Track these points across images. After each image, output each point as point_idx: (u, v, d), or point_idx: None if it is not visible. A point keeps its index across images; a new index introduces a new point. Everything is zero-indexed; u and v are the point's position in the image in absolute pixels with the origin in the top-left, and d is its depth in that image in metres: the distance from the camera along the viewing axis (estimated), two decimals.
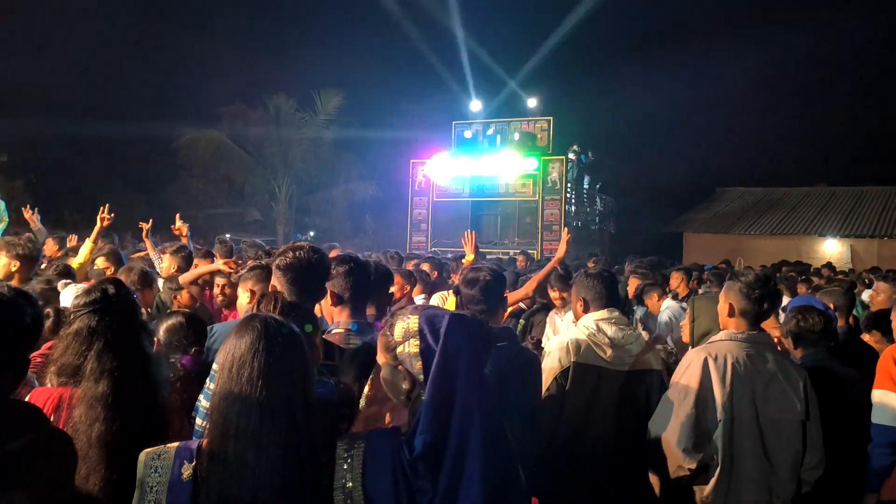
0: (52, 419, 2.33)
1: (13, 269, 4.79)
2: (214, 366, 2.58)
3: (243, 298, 3.69)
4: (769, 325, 4.36)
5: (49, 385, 2.47)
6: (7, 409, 1.88)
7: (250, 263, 4.39)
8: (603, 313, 3.75)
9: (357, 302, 3.38)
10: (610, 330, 3.70)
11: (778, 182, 31.29)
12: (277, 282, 3.15)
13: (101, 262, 5.87)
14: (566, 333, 3.96)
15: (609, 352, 3.63)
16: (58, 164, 33.09)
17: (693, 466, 3.23)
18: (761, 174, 32.44)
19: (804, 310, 4.09)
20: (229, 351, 1.91)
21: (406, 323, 2.00)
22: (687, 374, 3.34)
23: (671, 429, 3.28)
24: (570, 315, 6.14)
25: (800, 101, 33.04)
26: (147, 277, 5.10)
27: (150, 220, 7.86)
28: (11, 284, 2.64)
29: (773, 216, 28.36)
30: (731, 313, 3.44)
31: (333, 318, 3.32)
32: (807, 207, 28.85)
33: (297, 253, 3.16)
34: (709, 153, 33.51)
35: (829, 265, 16.52)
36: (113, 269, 5.78)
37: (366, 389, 2.44)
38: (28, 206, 9.07)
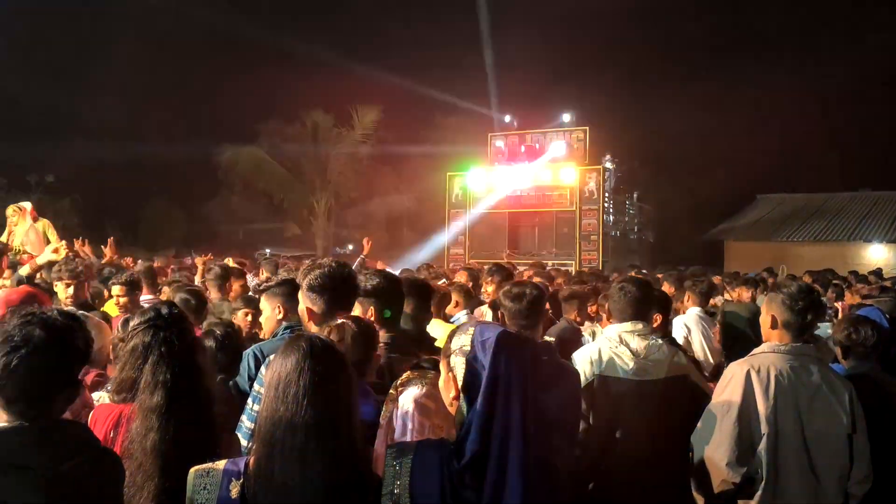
0: (111, 435, 2.44)
1: (68, 292, 4.93)
2: (257, 386, 2.65)
3: (268, 313, 3.74)
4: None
5: (110, 402, 2.58)
6: (61, 429, 1.94)
7: (270, 277, 4.45)
8: (626, 326, 3.75)
9: (395, 317, 3.46)
10: (633, 342, 3.71)
11: (820, 188, 30.76)
12: (308, 300, 3.21)
13: (116, 290, 5.35)
14: (590, 346, 3.97)
15: (631, 364, 3.63)
16: (102, 183, 33.84)
17: (737, 480, 3.20)
18: (803, 180, 31.96)
19: (857, 321, 4.01)
20: (276, 370, 1.96)
21: (465, 334, 2.07)
22: (730, 387, 3.31)
23: (714, 442, 3.25)
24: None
25: (840, 106, 32.50)
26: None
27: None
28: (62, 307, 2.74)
29: (816, 223, 27.89)
30: (773, 325, 3.39)
31: None
32: (851, 213, 28.32)
33: (326, 270, 3.22)
34: (749, 160, 33.12)
35: (877, 271, 16.20)
36: (127, 300, 5.27)
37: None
38: (81, 238, 9.42)
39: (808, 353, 3.37)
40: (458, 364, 2.02)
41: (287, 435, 1.88)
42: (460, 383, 2.01)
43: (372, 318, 3.36)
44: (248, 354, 3.43)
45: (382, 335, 3.34)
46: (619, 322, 3.81)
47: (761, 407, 3.21)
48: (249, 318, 5.13)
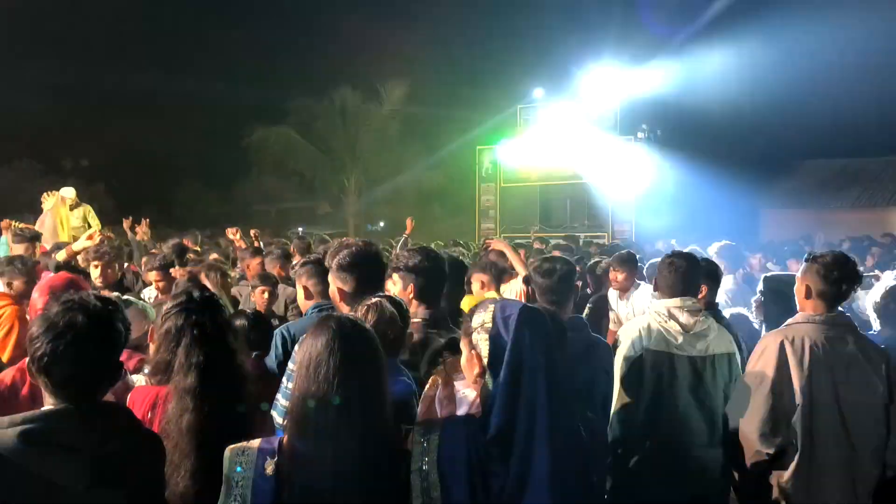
0: (149, 416, 2.51)
1: (95, 274, 5.03)
2: (291, 364, 2.70)
3: (300, 294, 3.78)
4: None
5: (146, 384, 2.66)
6: (105, 412, 2.01)
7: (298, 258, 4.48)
8: (675, 301, 3.73)
9: (435, 295, 3.49)
10: (682, 317, 3.70)
11: (857, 153, 30.10)
12: (339, 280, 3.26)
13: (153, 276, 5.53)
14: (638, 320, 3.97)
15: (680, 338, 3.63)
16: (135, 166, 34.29)
17: (771, 451, 3.19)
18: (839, 145, 31.27)
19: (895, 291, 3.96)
20: (306, 350, 2.00)
21: (484, 311, 2.10)
22: (763, 358, 3.30)
23: (748, 414, 3.25)
24: (635, 297, 6.08)
25: (877, 69, 31.65)
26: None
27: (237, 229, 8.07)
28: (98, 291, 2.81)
29: (853, 188, 27.32)
30: (808, 295, 3.36)
31: (411, 308, 3.36)
32: (889, 178, 27.66)
33: (354, 249, 3.29)
34: (784, 126, 32.47)
35: None
36: (164, 284, 5.47)
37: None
38: (134, 218, 9.60)
39: (843, 323, 3.34)
40: (482, 341, 2.05)
41: (319, 414, 1.92)
42: (485, 360, 2.04)
43: (412, 295, 3.41)
44: (275, 334, 3.48)
45: (421, 311, 3.40)
46: (668, 297, 3.80)
47: (795, 378, 3.19)
48: (266, 295, 5.23)
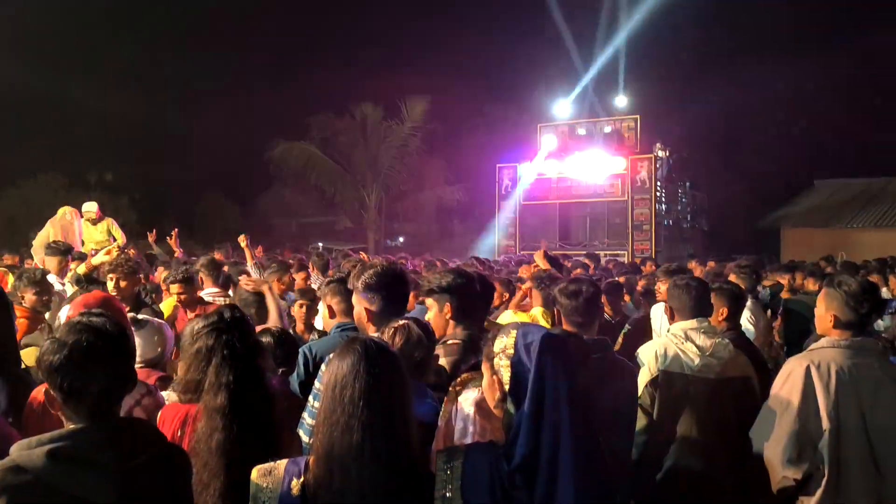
0: (179, 434, 2.55)
1: (114, 287, 5.09)
2: (317, 384, 2.73)
3: (324, 313, 3.81)
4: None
5: (177, 402, 2.70)
6: (130, 428, 2.05)
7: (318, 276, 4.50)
8: (691, 323, 3.76)
9: (474, 316, 3.47)
10: (698, 339, 3.73)
11: (879, 172, 29.82)
12: (365, 301, 3.25)
13: (175, 288, 5.52)
14: (655, 341, 3.99)
15: (697, 360, 3.64)
16: (158, 180, 34.66)
17: (798, 476, 3.16)
18: (860, 164, 30.99)
19: None
20: (332, 372, 2.03)
21: (507, 337, 2.10)
22: (789, 382, 3.28)
23: (773, 440, 3.22)
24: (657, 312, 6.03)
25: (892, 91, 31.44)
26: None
27: (246, 235, 8.05)
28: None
29: (876, 207, 27.01)
30: (836, 325, 3.34)
31: (448, 329, 3.40)
32: None
33: (380, 269, 3.29)
34: (804, 144, 32.30)
35: None
36: (186, 297, 5.49)
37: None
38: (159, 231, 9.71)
39: (869, 348, 3.32)
40: (503, 367, 2.06)
41: (344, 436, 1.94)
42: (506, 386, 2.04)
43: (448, 316, 3.39)
44: (299, 353, 3.50)
45: (459, 332, 3.35)
46: (684, 319, 3.83)
47: (822, 402, 3.17)
48: (304, 309, 5.24)
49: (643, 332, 5.63)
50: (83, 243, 9.93)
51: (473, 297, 3.52)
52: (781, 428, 3.21)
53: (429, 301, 3.47)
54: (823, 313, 3.39)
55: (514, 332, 2.10)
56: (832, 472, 3.15)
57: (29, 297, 4.81)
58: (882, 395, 3.19)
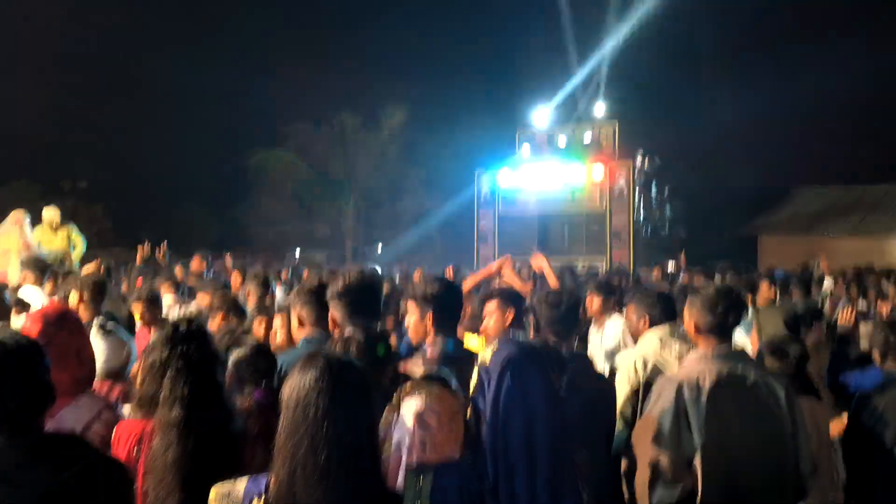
0: (136, 451, 2.46)
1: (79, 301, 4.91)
2: None
3: (294, 324, 3.75)
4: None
5: (132, 417, 2.61)
6: (55, 442, 1.95)
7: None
8: (664, 328, 3.73)
9: (453, 324, 3.46)
10: (676, 344, 3.71)
11: (855, 180, 30.19)
12: (336, 309, 3.29)
13: (137, 307, 5.45)
14: (633, 351, 3.98)
15: (677, 366, 3.58)
16: (133, 187, 34.34)
17: (672, 500, 3.04)
18: (837, 172, 31.36)
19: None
20: (293, 388, 1.91)
21: (490, 347, 2.23)
22: (660, 403, 3.15)
23: (646, 463, 3.09)
24: (610, 328, 5.77)
25: (875, 96, 31.82)
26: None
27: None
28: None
29: (853, 216, 27.35)
30: (697, 331, 3.27)
31: (428, 338, 3.39)
32: (888, 206, 27.70)
33: (349, 278, 3.35)
34: (782, 152, 32.61)
35: None
36: (149, 316, 5.42)
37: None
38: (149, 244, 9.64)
39: (738, 357, 3.26)
40: (474, 375, 2.17)
41: (308, 456, 1.84)
42: (471, 390, 2.12)
43: (428, 325, 3.38)
44: None
45: (440, 340, 3.32)
46: (658, 325, 3.86)
47: (694, 418, 3.05)
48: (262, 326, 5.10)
49: None
50: (32, 246, 9.52)
51: (456, 309, 3.55)
52: (655, 450, 3.08)
53: (410, 306, 3.47)
54: (688, 321, 3.33)
55: (495, 345, 2.18)
56: (709, 489, 3.03)
57: None
58: (756, 404, 3.11)
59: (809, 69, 32.15)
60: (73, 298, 4.84)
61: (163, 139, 35.87)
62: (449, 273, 6.10)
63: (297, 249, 28.04)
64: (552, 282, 5.32)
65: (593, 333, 5.85)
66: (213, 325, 4.82)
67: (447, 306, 3.41)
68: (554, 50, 29.80)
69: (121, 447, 2.44)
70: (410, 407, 2.35)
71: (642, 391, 3.60)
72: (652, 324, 3.92)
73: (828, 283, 10.29)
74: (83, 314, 4.73)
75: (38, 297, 5.98)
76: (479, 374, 2.05)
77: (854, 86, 31.70)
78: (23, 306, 5.07)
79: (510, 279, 5.57)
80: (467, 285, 5.70)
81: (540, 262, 5.95)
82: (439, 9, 37.41)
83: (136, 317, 5.35)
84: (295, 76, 36.73)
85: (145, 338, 4.90)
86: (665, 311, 3.94)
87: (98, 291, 4.86)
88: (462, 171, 26.57)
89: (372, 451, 1.92)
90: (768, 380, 3.18)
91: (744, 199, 30.71)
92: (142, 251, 9.32)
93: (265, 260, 20.81)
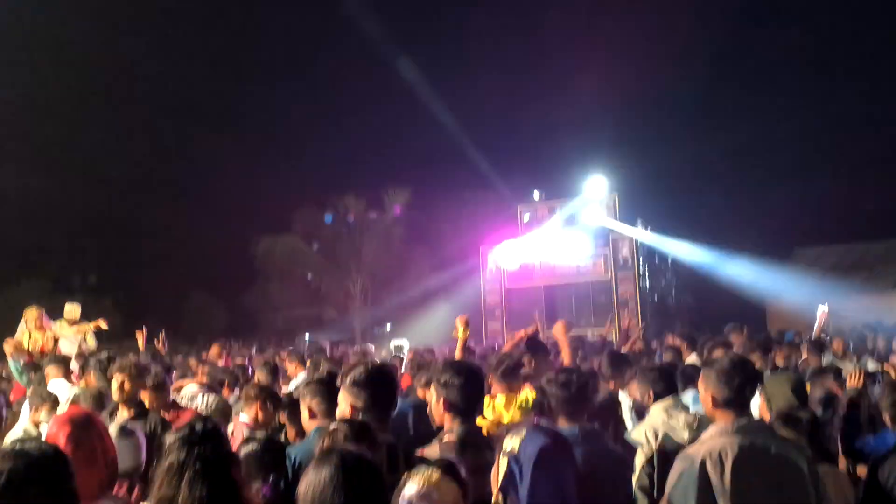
0: None
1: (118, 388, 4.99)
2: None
3: (304, 415, 3.76)
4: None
5: None
6: None
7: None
8: (668, 401, 3.91)
9: (470, 410, 3.42)
10: (681, 415, 3.83)
11: (856, 238, 30.26)
12: (352, 398, 3.27)
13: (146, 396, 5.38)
14: (644, 422, 4.08)
15: (687, 434, 3.67)
16: (142, 279, 34.55)
17: None
18: (838, 231, 31.48)
19: None
20: (309, 485, 1.99)
21: (516, 437, 2.26)
22: (683, 480, 3.10)
23: None
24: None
25: (873, 159, 32.24)
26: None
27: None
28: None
29: (857, 274, 27.27)
30: (715, 405, 3.23)
31: (445, 423, 3.36)
32: (891, 262, 27.65)
33: (367, 368, 3.33)
34: (783, 213, 32.82)
35: None
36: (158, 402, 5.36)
37: None
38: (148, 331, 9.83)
39: (759, 427, 3.23)
40: (503, 464, 2.20)
41: None
42: (499, 483, 2.16)
43: (442, 408, 3.35)
44: None
45: (456, 426, 3.30)
46: (662, 399, 3.98)
47: (719, 493, 3.00)
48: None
49: None
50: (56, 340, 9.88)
51: (472, 393, 3.46)
52: None
53: (432, 389, 3.46)
54: (703, 394, 3.30)
55: (523, 434, 2.23)
56: None
57: None
58: (780, 476, 3.06)
59: (804, 131, 32.65)
60: (115, 386, 4.90)
61: (169, 231, 36.32)
62: (462, 321, 5.80)
63: (307, 334, 28.01)
64: (566, 356, 5.29)
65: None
66: (250, 414, 4.83)
67: (461, 391, 3.36)
68: (555, 125, 30.35)
69: None
70: (406, 491, 2.37)
71: (657, 459, 3.62)
72: (656, 398, 4.03)
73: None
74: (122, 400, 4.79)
75: (65, 389, 6.13)
76: (509, 464, 2.10)
77: (849, 144, 32.14)
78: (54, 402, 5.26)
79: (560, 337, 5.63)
80: (507, 348, 5.79)
81: (558, 333, 5.80)
82: (437, 89, 38.29)
83: (146, 403, 5.38)
84: (300, 162, 37.46)
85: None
86: (667, 385, 4.06)
87: (139, 376, 4.95)
88: (466, 248, 26.77)
89: None
90: (790, 451, 3.15)
91: (747, 263, 30.75)
92: (141, 336, 9.40)
93: (275, 346, 20.75)
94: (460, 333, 5.44)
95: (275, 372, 6.99)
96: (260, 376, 6.71)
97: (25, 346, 9.39)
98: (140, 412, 4.69)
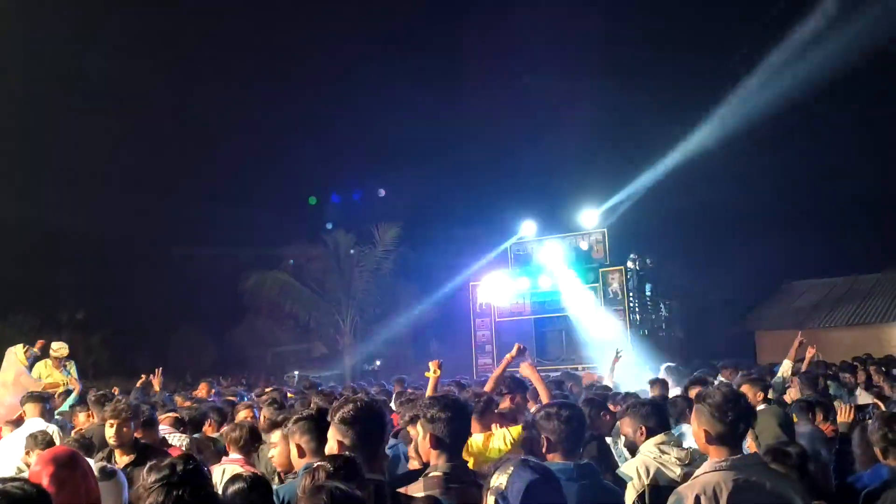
0: None
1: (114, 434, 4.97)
2: None
3: (293, 453, 3.71)
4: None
5: None
6: None
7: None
8: (661, 437, 3.81)
9: (456, 446, 3.41)
10: (674, 451, 3.82)
11: (845, 271, 30.46)
12: (340, 435, 3.22)
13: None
14: (635, 459, 4.06)
15: (679, 470, 3.68)
16: (130, 315, 34.30)
17: None
18: (828, 263, 31.68)
19: (893, 419, 3.94)
20: None
21: (503, 474, 2.24)
22: None
23: None
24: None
25: (861, 188, 32.51)
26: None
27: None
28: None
29: (846, 306, 27.42)
30: (708, 440, 3.23)
31: (431, 459, 3.36)
32: (881, 294, 27.82)
33: (356, 405, 3.26)
34: (772, 247, 32.98)
35: None
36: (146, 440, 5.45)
37: None
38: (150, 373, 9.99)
39: (754, 463, 3.23)
40: (490, 502, 2.20)
41: None
42: None
43: (429, 444, 3.34)
44: None
45: (441, 462, 3.29)
46: (654, 435, 3.97)
47: None
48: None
49: None
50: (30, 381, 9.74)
51: (462, 427, 3.48)
52: None
53: (418, 426, 3.47)
54: (696, 430, 3.30)
55: (510, 472, 2.21)
56: None
57: None
58: None
59: (793, 167, 32.95)
60: (110, 432, 4.87)
61: (159, 266, 36.16)
62: (434, 364, 6.03)
63: (296, 372, 27.83)
64: (543, 394, 5.27)
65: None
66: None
67: (448, 425, 3.36)
68: (543, 159, 30.55)
69: None
70: None
71: (649, 495, 3.66)
72: (649, 434, 3.99)
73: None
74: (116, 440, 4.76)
75: (42, 428, 6.13)
76: (496, 501, 2.13)
77: (839, 178, 32.47)
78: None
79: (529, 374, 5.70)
80: (488, 386, 5.92)
81: (527, 373, 5.85)
82: (426, 123, 38.60)
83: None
84: (289, 196, 37.53)
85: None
86: (660, 421, 4.01)
87: (134, 415, 4.95)
88: (457, 282, 26.79)
89: None
90: (784, 487, 3.15)
91: (739, 295, 30.86)
92: (157, 380, 9.69)
93: (264, 383, 20.62)
94: (431, 373, 5.56)
95: (282, 406, 6.96)
96: (266, 413, 6.64)
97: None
98: (140, 458, 4.63)
